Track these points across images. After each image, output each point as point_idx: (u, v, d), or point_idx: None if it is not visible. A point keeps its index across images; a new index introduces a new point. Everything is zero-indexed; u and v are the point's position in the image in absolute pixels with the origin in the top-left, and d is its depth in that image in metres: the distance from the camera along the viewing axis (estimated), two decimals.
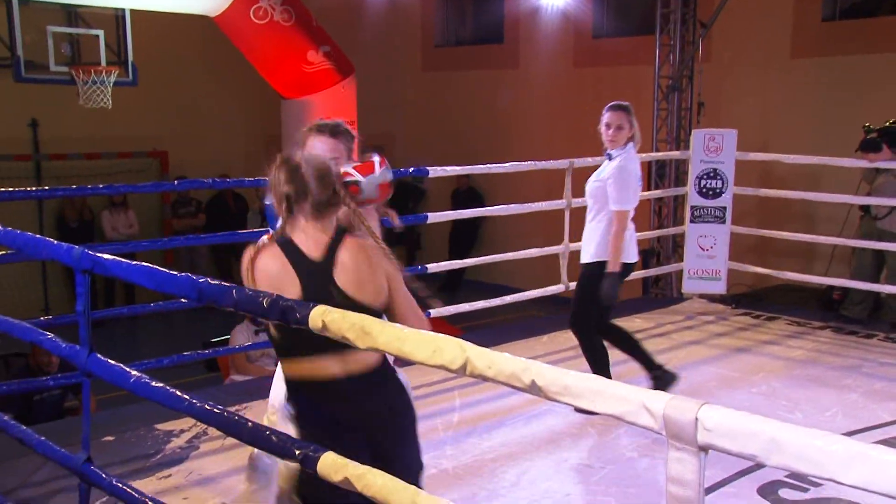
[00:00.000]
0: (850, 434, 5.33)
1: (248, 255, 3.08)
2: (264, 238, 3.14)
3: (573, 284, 7.82)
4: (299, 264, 3.02)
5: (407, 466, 3.10)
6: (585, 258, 5.84)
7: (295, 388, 3.12)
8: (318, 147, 3.62)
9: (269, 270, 3.03)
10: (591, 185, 5.84)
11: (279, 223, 3.14)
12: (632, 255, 5.83)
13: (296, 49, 9.87)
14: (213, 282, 2.81)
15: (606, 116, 5.78)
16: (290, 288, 2.97)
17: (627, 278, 5.97)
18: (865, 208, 8.38)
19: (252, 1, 9.44)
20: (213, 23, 9.77)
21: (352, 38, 13.07)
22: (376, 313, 2.97)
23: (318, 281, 3.01)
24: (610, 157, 5.78)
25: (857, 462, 1.59)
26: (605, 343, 5.91)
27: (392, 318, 3.07)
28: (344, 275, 3.03)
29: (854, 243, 8.35)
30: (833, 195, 8.52)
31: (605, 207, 5.72)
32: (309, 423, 3.04)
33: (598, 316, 5.83)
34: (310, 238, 3.07)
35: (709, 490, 4.76)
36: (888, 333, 7.81)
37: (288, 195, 3.06)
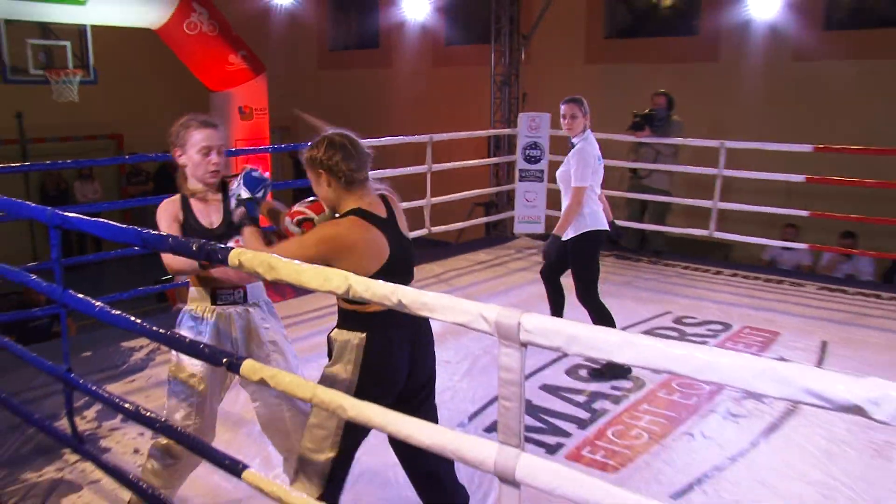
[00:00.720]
0: (624, 328, 5.51)
1: (343, 233, 2.63)
2: (324, 216, 2.84)
3: (435, 228, 7.90)
4: (379, 224, 2.68)
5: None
6: (567, 236, 5.03)
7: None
8: (200, 137, 3.27)
9: (366, 238, 2.64)
10: (559, 172, 5.16)
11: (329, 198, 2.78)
12: (600, 224, 5.04)
13: (219, 53, 9.65)
14: (153, 232, 2.71)
15: (563, 108, 5.08)
16: (384, 247, 2.67)
17: (602, 247, 5.22)
18: (633, 170, 8.64)
19: (185, 16, 9.18)
20: (156, 34, 9.49)
21: (262, 44, 12.84)
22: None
23: (393, 232, 2.72)
24: (572, 144, 5.09)
25: (627, 346, 1.67)
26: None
27: None
28: (401, 223, 2.82)
29: (626, 195, 8.57)
30: (613, 161, 8.62)
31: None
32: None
33: (579, 284, 5.06)
34: (373, 202, 2.75)
35: (531, 375, 4.89)
36: (650, 258, 8.09)
37: (349, 170, 2.70)
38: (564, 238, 5.04)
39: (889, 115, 9.35)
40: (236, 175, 3.08)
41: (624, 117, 8.57)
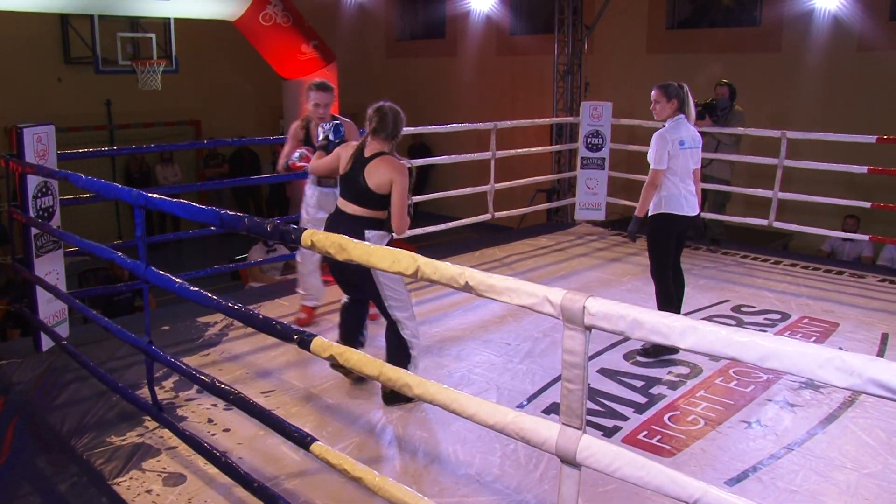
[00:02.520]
0: (685, 314, 5.41)
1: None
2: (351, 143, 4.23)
3: (498, 214, 7.87)
4: (357, 159, 4.00)
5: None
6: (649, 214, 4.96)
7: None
8: (315, 97, 4.97)
9: (343, 155, 4.08)
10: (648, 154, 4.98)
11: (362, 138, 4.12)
12: (676, 208, 4.86)
13: (293, 43, 9.75)
14: (230, 213, 2.75)
15: (652, 94, 5.01)
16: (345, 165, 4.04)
17: (686, 231, 5.04)
18: None
19: (261, 8, 9.30)
20: (233, 25, 9.63)
21: (333, 34, 12.94)
22: (379, 196, 3.94)
23: (358, 167, 3.96)
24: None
25: (690, 332, 1.65)
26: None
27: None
28: (368, 172, 3.94)
29: None
30: None
31: None
32: None
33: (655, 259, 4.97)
34: (370, 148, 4.00)
35: (591, 358, 4.83)
36: (709, 247, 7.90)
37: (374, 127, 4.00)
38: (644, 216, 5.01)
39: None
40: (335, 119, 4.90)
41: None
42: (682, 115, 4.94)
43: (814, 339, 5.30)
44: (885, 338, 5.33)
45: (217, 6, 9.14)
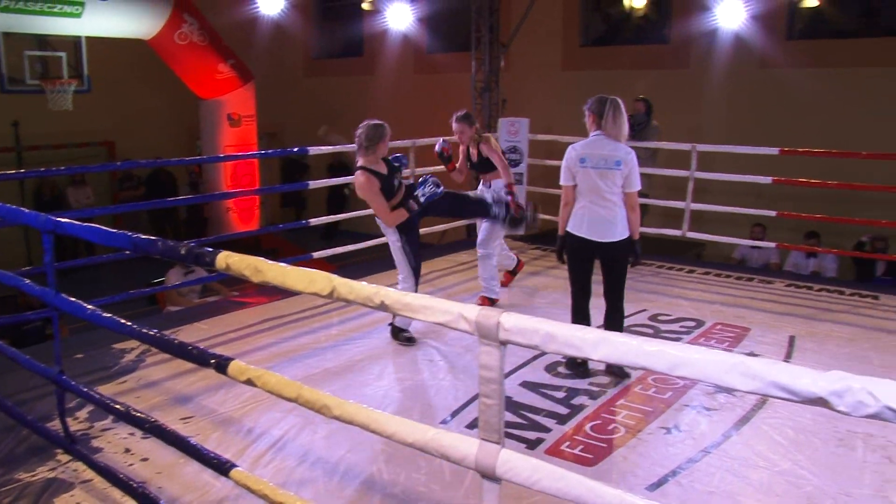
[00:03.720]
0: (598, 326, 5.50)
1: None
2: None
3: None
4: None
5: None
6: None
7: None
8: (455, 128, 6.13)
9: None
10: None
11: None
12: (577, 229, 4.68)
13: (209, 63, 9.60)
14: (143, 236, 2.68)
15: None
16: None
17: (605, 257, 4.76)
18: None
19: (176, 27, 9.13)
20: (147, 44, 9.42)
21: (250, 53, 12.81)
22: None
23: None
24: None
25: (602, 344, 1.69)
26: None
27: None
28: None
29: None
30: None
31: None
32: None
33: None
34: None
35: (511, 372, 4.87)
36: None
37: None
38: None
39: (850, 120, 9.43)
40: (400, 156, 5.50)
41: None
42: (600, 132, 4.68)
43: (727, 343, 5.46)
44: (792, 340, 5.53)
45: (130, 25, 8.95)
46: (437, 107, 13.82)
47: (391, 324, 5.44)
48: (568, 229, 4.74)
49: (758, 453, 3.83)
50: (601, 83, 11.35)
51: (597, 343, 1.67)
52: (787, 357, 5.23)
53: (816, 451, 3.84)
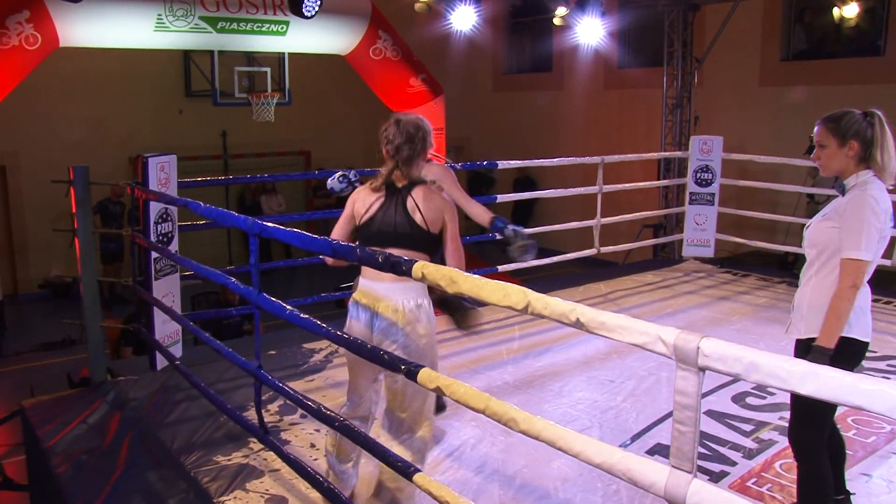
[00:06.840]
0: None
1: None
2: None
3: (604, 249, 7.76)
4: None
5: None
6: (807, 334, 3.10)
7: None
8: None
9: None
10: (816, 223, 3.10)
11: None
12: (866, 331, 3.09)
13: (401, 77, 9.92)
14: (342, 243, 2.82)
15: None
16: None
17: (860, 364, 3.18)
18: (810, 195, 8.50)
19: (371, 43, 9.53)
20: (344, 59, 9.91)
21: (441, 67, 13.15)
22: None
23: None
24: (842, 188, 3.01)
25: (811, 378, 1.57)
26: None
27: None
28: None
29: (803, 220, 8.12)
30: (789, 185, 8.36)
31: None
32: None
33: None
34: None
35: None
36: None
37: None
38: (803, 337, 3.10)
39: None
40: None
41: (800, 140, 8.18)
42: (870, 171, 2.96)
43: None
44: None
45: (330, 41, 9.43)
46: (626, 123, 13.69)
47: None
48: (855, 336, 3.02)
49: None
50: (802, 99, 10.79)
51: (804, 376, 1.57)
52: None
53: None
